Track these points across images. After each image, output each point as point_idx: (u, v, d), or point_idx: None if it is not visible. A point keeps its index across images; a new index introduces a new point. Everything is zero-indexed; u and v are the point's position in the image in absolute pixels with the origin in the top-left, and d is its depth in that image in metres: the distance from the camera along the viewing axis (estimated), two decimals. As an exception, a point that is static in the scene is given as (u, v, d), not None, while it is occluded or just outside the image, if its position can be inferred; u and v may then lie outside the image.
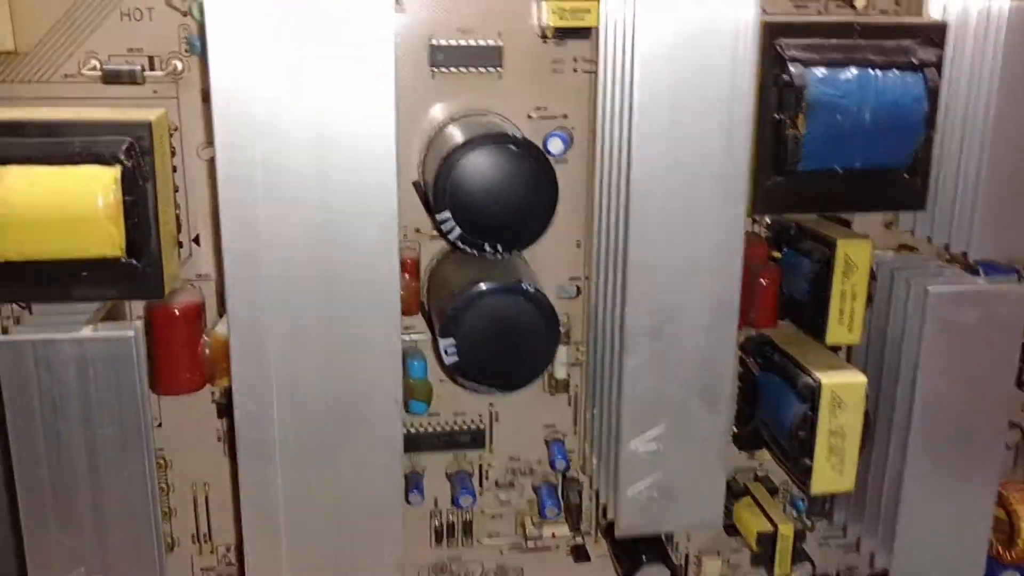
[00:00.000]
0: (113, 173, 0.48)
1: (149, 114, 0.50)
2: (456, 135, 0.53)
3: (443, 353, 0.52)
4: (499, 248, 0.51)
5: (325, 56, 0.47)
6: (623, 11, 0.52)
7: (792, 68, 0.53)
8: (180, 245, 0.56)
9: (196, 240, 0.58)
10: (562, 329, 0.54)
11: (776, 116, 0.54)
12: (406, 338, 0.61)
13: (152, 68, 0.54)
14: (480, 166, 0.50)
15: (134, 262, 0.49)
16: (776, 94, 0.54)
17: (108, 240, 0.48)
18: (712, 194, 0.52)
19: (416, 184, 0.59)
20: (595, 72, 0.58)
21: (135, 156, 0.48)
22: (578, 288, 0.63)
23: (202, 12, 0.48)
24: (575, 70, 0.59)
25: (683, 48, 0.50)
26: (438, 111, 0.59)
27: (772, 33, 0.53)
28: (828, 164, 0.55)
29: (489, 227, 0.50)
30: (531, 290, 0.52)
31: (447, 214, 0.50)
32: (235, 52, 0.46)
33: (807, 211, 0.60)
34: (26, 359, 0.48)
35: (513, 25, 0.57)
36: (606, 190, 0.56)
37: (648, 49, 0.50)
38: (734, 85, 0.51)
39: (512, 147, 0.50)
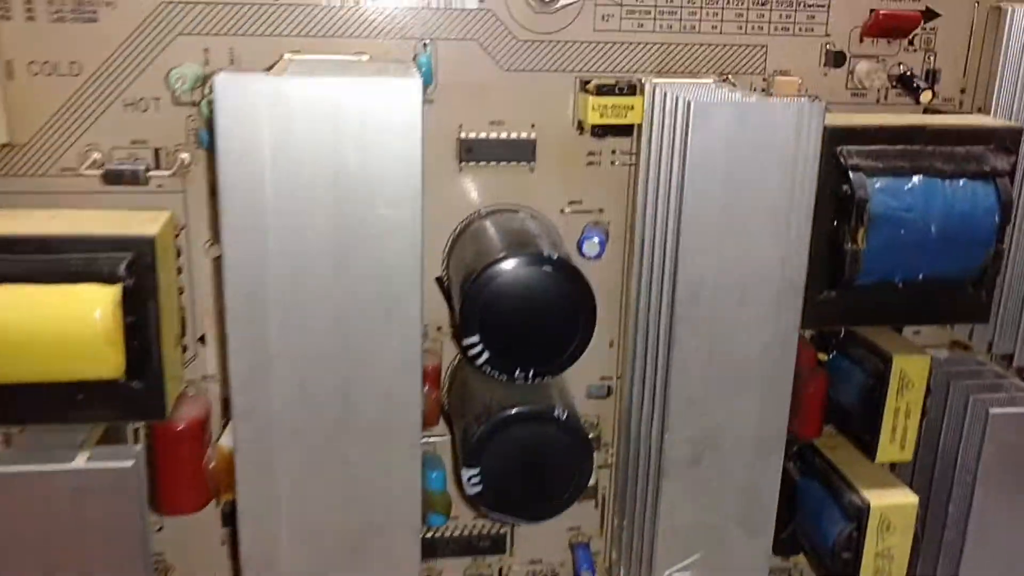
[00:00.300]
0: (113, 293, 0.44)
1: (152, 225, 0.45)
2: (486, 245, 0.49)
3: (465, 482, 0.48)
4: (530, 375, 0.47)
5: (345, 147, 0.42)
6: (672, 108, 0.47)
7: (854, 178, 0.49)
8: (184, 349, 0.52)
9: (202, 339, 0.54)
10: (592, 435, 0.51)
11: (833, 225, 0.50)
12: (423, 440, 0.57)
13: (157, 160, 0.50)
14: (512, 289, 0.45)
15: (134, 384, 0.45)
16: (834, 203, 0.50)
17: (106, 363, 0.44)
18: (764, 311, 0.48)
19: (439, 280, 0.55)
20: (634, 165, 0.54)
21: (136, 273, 0.44)
22: (609, 388, 0.59)
23: (211, 109, 0.44)
24: (613, 163, 0.54)
25: (738, 151, 0.46)
26: (466, 199, 0.54)
27: (833, 139, 0.49)
28: (888, 277, 0.51)
29: (520, 354, 0.46)
30: (563, 417, 0.48)
31: (475, 339, 0.46)
32: (246, 149, 0.42)
33: (862, 324, 0.56)
34: (17, 492, 0.45)
35: (547, 117, 0.53)
36: (645, 296, 0.52)
37: (701, 148, 0.46)
38: (793, 196, 0.47)
39: (548, 268, 0.46)
